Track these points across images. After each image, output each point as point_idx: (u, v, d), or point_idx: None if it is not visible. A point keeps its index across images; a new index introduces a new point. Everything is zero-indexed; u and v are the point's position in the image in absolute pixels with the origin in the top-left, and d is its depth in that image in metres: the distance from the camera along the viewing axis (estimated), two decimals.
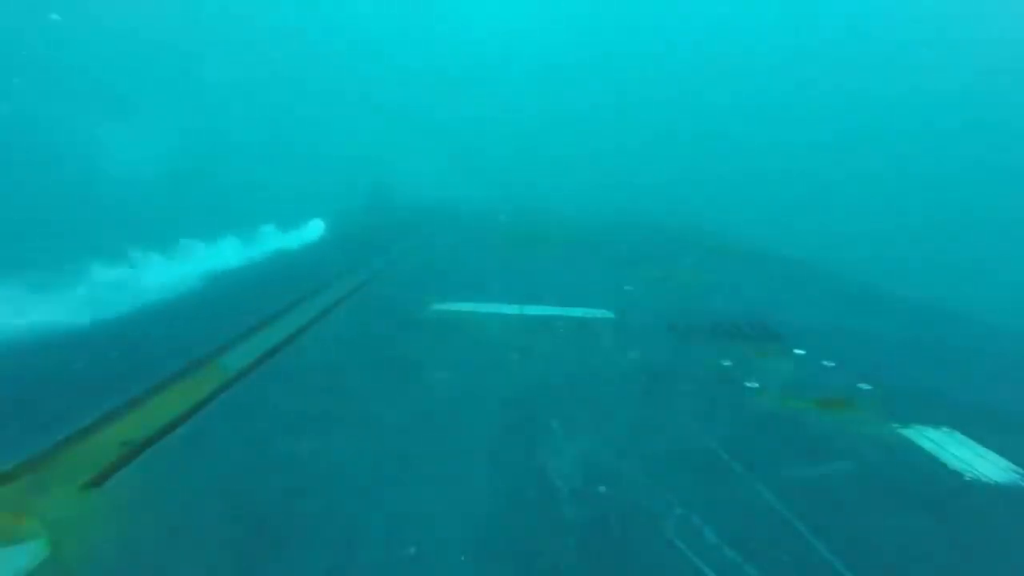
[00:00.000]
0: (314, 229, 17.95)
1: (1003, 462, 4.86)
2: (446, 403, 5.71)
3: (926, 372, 7.14)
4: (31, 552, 3.32)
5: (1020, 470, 4.73)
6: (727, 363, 7.09)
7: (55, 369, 6.17)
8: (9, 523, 3.57)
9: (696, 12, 54.81)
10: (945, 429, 5.42)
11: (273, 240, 15.38)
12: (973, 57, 45.70)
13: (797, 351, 7.64)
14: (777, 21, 53.12)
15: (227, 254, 12.83)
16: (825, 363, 7.20)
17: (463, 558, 3.42)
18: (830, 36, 51.09)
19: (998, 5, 47.56)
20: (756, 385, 6.39)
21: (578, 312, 9.29)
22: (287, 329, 7.76)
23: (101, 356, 6.62)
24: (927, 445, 5.12)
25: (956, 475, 4.65)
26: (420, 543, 3.53)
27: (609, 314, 9.27)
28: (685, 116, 50.55)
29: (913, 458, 4.91)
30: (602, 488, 4.18)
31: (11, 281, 8.00)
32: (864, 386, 6.43)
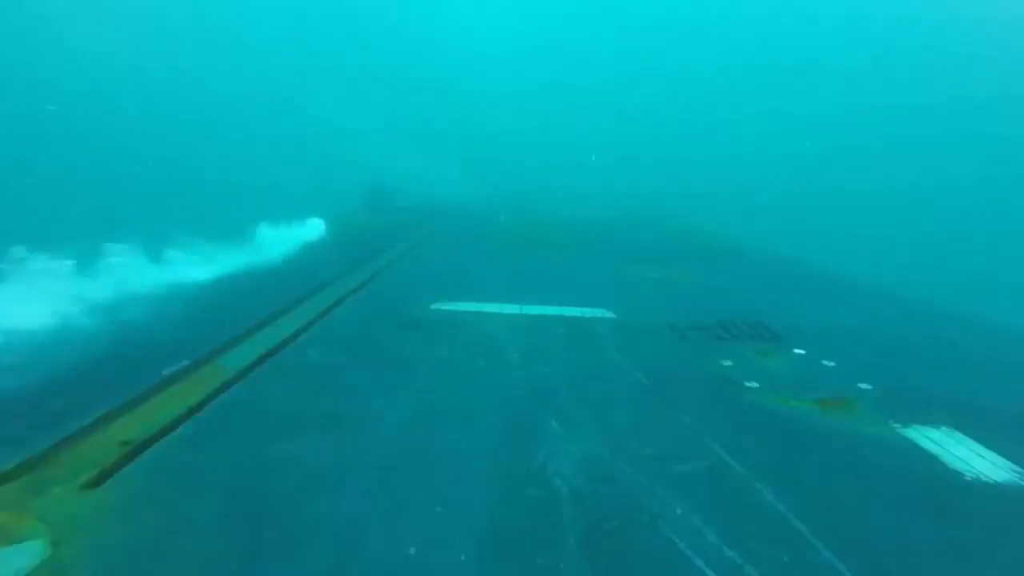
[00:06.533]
0: (314, 229, 17.94)
1: (1003, 462, 4.86)
2: (446, 402, 5.71)
3: (926, 372, 7.13)
4: (31, 552, 3.32)
5: (1020, 470, 4.73)
6: (727, 363, 7.09)
7: (55, 369, 6.17)
8: (9, 523, 3.57)
9: (703, 20, 55.04)
10: (945, 429, 5.42)
11: (273, 240, 15.36)
12: (975, 70, 45.93)
13: (797, 351, 7.64)
14: (782, 32, 53.37)
15: (227, 253, 12.80)
16: (825, 363, 7.20)
17: (463, 558, 3.42)
18: (831, 47, 51.36)
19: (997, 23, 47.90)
20: (756, 385, 6.38)
21: (578, 312, 9.29)
22: (287, 329, 7.76)
23: (102, 356, 6.62)
24: (927, 445, 5.12)
25: (956, 475, 4.65)
26: (420, 543, 3.53)
27: (610, 314, 9.27)
28: (687, 120, 50.72)
29: (913, 458, 4.91)
30: (602, 488, 4.18)
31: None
32: (864, 386, 6.43)
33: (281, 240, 15.57)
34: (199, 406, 5.34)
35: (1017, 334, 9.27)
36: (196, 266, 11.26)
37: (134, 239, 10.94)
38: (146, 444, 4.59)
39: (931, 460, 4.88)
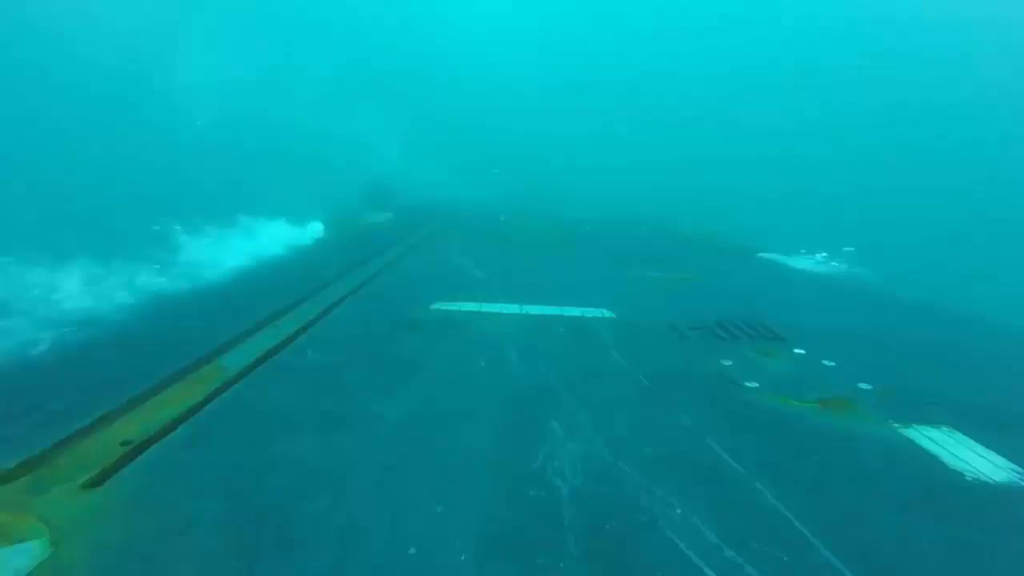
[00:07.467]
0: (314, 229, 17.93)
1: (1003, 462, 4.86)
2: (446, 402, 5.71)
3: (926, 372, 7.13)
4: (31, 552, 3.32)
5: (1020, 470, 4.73)
6: (727, 363, 7.09)
7: (56, 368, 6.17)
8: (9, 523, 3.57)
9: (703, 22, 55.25)
10: (945, 429, 5.42)
11: (273, 240, 15.33)
12: (975, 71, 46.07)
13: (797, 351, 7.65)
14: (781, 32, 53.57)
15: (227, 253, 12.78)
16: (825, 363, 7.21)
17: (463, 558, 3.42)
18: (831, 47, 51.54)
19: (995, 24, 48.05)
20: (756, 385, 6.39)
21: (578, 311, 9.29)
22: (287, 329, 7.76)
23: (102, 356, 6.62)
24: (927, 445, 5.12)
25: (956, 475, 4.65)
26: (420, 543, 3.53)
27: (609, 314, 9.27)
28: (687, 120, 50.87)
29: (913, 458, 4.92)
30: (602, 488, 4.18)
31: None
32: (864, 386, 6.43)
33: (281, 240, 15.49)
34: (199, 406, 5.34)
35: (1017, 334, 9.28)
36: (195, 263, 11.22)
37: None
38: (146, 444, 4.60)
39: (931, 460, 4.88)
